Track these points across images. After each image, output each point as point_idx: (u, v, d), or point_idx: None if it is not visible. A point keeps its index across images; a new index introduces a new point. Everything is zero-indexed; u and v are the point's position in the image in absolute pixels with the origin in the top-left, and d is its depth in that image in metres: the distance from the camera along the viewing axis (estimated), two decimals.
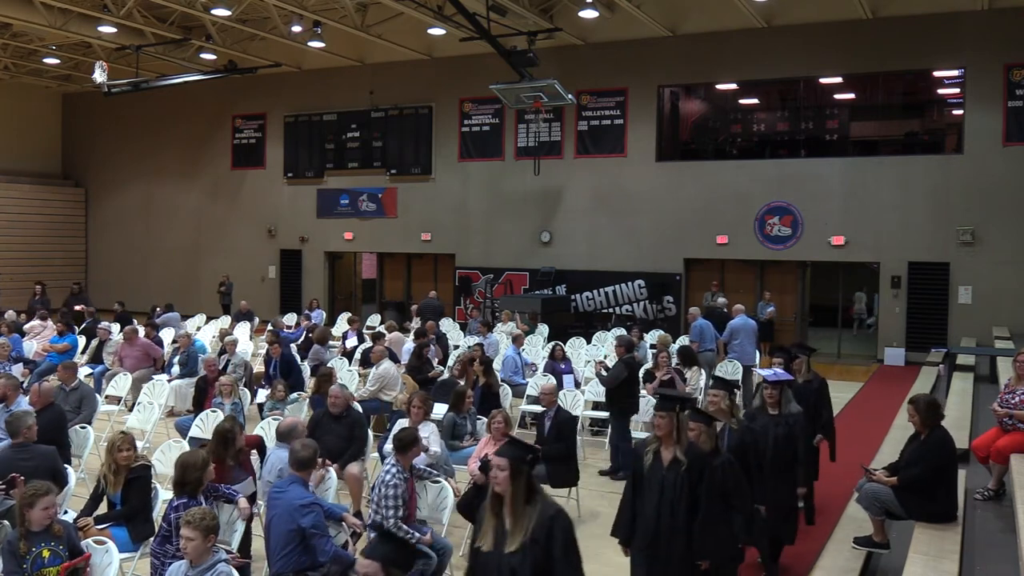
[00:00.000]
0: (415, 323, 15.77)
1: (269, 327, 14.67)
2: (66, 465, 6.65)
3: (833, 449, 7.66)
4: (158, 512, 5.94)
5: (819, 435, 7.36)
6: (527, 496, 3.94)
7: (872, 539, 6.11)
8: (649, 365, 11.04)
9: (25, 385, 9.39)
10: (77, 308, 17.71)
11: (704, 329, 12.65)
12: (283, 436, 6.55)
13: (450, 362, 12.14)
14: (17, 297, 21.41)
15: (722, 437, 5.68)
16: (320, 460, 6.56)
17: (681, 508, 4.74)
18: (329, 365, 11.02)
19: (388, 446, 6.21)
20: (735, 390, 6.41)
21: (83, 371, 11.60)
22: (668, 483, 4.79)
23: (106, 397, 10.93)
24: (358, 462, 7.55)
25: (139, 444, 8.82)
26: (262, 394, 10.01)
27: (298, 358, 12.12)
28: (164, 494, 6.07)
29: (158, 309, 17.09)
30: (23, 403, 7.67)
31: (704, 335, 12.58)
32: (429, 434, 7.18)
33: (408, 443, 5.97)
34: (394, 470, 5.81)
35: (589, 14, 17.93)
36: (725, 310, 15.41)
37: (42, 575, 4.75)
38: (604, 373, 9.50)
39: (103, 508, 6.05)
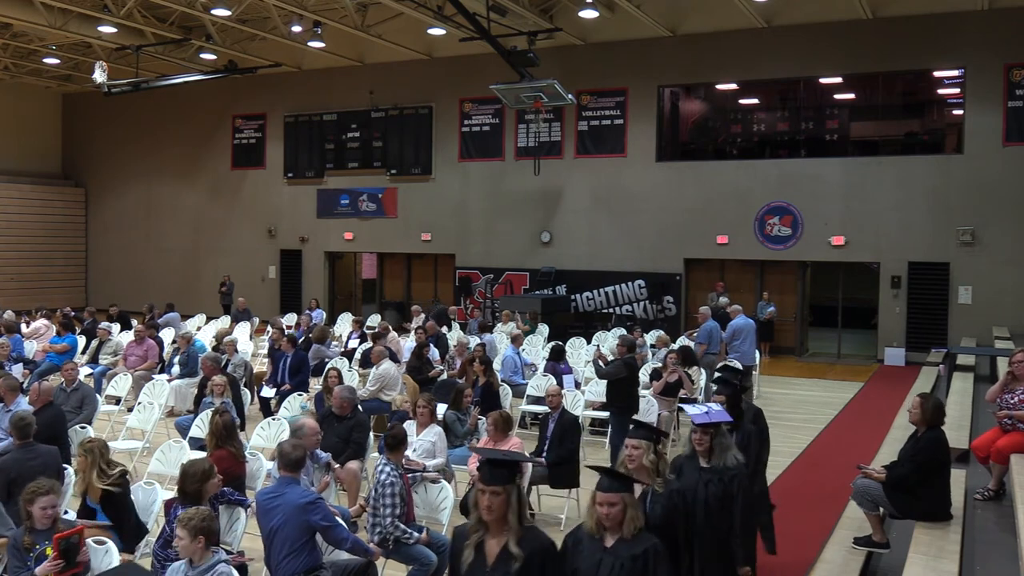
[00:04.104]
0: (415, 322, 15.78)
1: (270, 327, 14.68)
2: (65, 465, 6.65)
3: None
4: (157, 514, 5.92)
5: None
6: None
7: (872, 539, 6.12)
8: (652, 364, 11.01)
9: (25, 385, 9.39)
10: (65, 310, 17.60)
11: (713, 332, 12.52)
12: (295, 435, 6.55)
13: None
14: (18, 298, 21.40)
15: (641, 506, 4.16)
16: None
17: None
18: (332, 365, 11.02)
19: None
20: (663, 438, 4.82)
21: (83, 371, 11.62)
22: None
23: (106, 397, 10.94)
24: (356, 461, 7.55)
25: (139, 444, 8.91)
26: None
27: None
28: (164, 494, 6.05)
29: (155, 309, 17.06)
30: (22, 403, 7.66)
31: (712, 338, 12.47)
32: (435, 439, 7.17)
33: (398, 441, 5.99)
34: (388, 468, 5.81)
35: (589, 14, 17.92)
36: (727, 311, 15.37)
37: None
38: (603, 365, 9.49)
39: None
